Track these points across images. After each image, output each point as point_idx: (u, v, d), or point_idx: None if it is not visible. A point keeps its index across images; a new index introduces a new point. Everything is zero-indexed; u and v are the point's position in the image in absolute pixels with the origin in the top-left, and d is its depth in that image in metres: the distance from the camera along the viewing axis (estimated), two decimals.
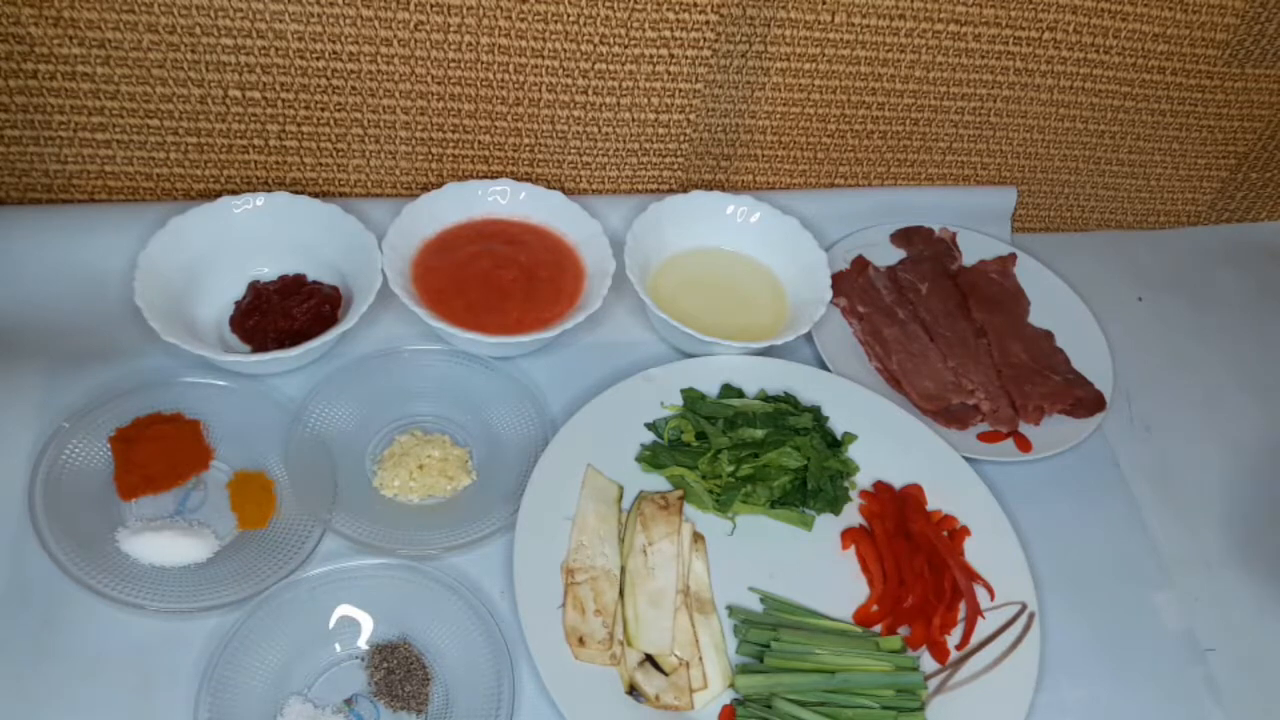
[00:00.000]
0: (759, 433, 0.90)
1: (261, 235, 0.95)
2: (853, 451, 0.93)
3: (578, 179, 1.08)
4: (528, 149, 1.04)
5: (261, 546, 0.80)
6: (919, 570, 0.85)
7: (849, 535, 0.89)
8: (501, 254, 0.98)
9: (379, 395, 0.91)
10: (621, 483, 0.88)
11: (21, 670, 0.73)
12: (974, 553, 0.88)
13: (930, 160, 1.14)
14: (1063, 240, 1.20)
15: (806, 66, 1.02)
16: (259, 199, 0.95)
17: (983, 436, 0.96)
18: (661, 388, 0.93)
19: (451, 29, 0.93)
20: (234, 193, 0.95)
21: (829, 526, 0.89)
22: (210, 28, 0.89)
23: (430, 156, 1.03)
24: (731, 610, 0.83)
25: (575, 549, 0.83)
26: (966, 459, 0.92)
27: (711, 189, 1.05)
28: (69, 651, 0.74)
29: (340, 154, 1.01)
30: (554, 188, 1.02)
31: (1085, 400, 1.00)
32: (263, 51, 0.91)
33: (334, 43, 0.92)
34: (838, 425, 0.94)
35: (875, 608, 0.84)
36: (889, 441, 0.93)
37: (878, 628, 0.83)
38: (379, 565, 0.80)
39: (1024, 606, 0.84)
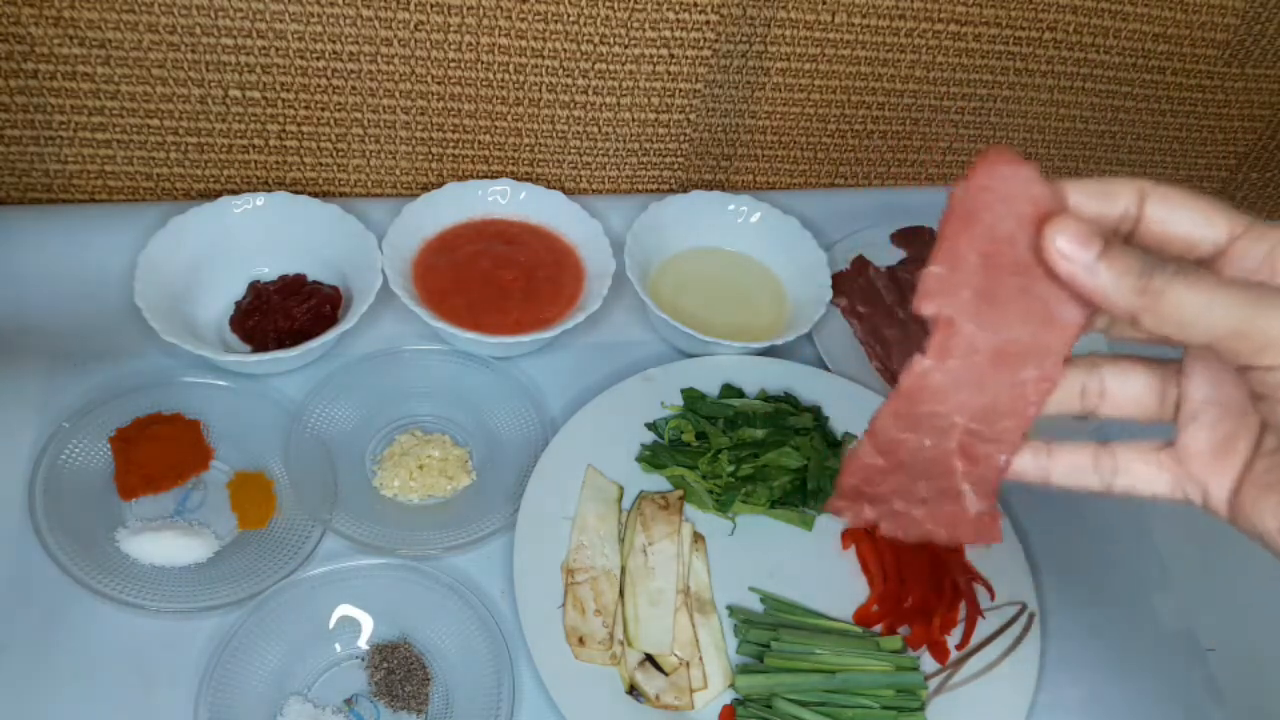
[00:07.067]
0: (759, 433, 0.90)
1: (261, 235, 0.95)
2: None
3: (578, 179, 1.08)
4: (528, 149, 1.04)
5: (261, 546, 0.80)
6: (919, 570, 0.85)
7: (849, 535, 0.89)
8: (501, 254, 0.98)
9: (379, 395, 0.90)
10: (621, 483, 0.88)
11: (21, 670, 0.73)
12: (974, 553, 0.87)
13: (930, 160, 1.14)
14: None
15: (806, 66, 1.02)
16: (259, 199, 0.95)
17: None
18: (661, 388, 0.93)
19: (451, 29, 0.93)
20: (234, 193, 0.95)
21: (829, 526, 0.89)
22: (210, 28, 0.89)
23: (430, 156, 1.03)
24: (731, 610, 0.83)
25: (575, 549, 0.82)
26: None
27: (711, 189, 1.05)
28: (69, 651, 0.74)
29: (340, 154, 1.01)
30: (554, 188, 1.01)
31: None
32: (263, 51, 0.91)
33: (334, 43, 0.92)
34: (838, 425, 0.94)
35: (875, 608, 0.84)
36: None
37: (878, 628, 0.83)
38: (379, 565, 0.80)
39: (1024, 606, 0.84)
